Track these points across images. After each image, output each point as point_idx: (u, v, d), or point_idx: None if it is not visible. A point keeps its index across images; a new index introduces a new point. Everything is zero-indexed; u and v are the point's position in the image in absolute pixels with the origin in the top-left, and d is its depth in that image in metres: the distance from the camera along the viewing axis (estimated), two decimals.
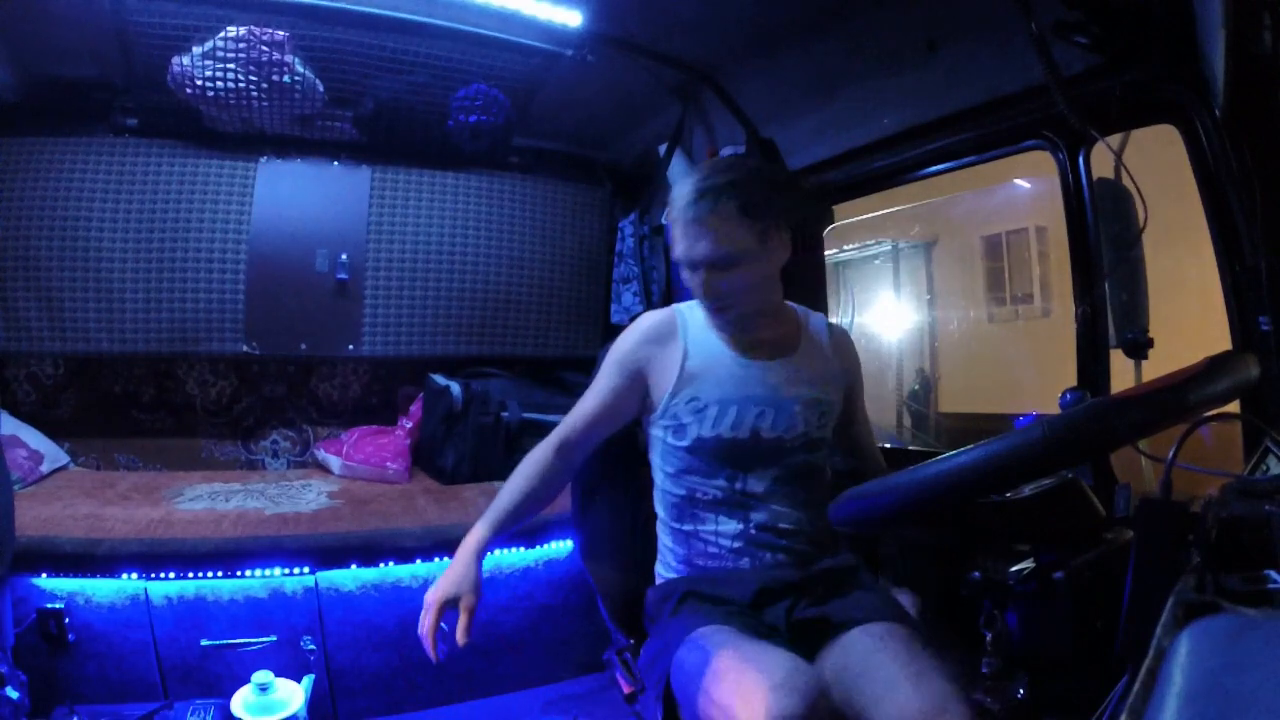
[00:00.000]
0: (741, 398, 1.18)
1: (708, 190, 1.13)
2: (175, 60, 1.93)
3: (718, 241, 1.13)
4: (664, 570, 1.26)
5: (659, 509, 1.26)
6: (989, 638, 0.79)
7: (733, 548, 1.17)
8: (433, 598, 1.18)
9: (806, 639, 1.06)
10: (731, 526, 1.17)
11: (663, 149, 2.30)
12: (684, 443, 1.19)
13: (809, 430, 1.20)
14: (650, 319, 1.27)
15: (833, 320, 1.36)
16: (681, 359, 1.22)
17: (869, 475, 1.26)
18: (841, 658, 1.00)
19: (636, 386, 1.24)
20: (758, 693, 0.85)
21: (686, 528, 1.21)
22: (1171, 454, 0.63)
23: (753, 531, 1.17)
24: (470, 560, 1.21)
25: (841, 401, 1.28)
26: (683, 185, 1.17)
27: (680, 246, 1.17)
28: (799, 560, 1.17)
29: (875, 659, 0.96)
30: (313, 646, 1.78)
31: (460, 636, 1.16)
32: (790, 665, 0.90)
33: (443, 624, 1.16)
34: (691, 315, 1.26)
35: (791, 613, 1.10)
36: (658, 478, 1.26)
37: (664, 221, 1.19)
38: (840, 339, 1.32)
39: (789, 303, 1.32)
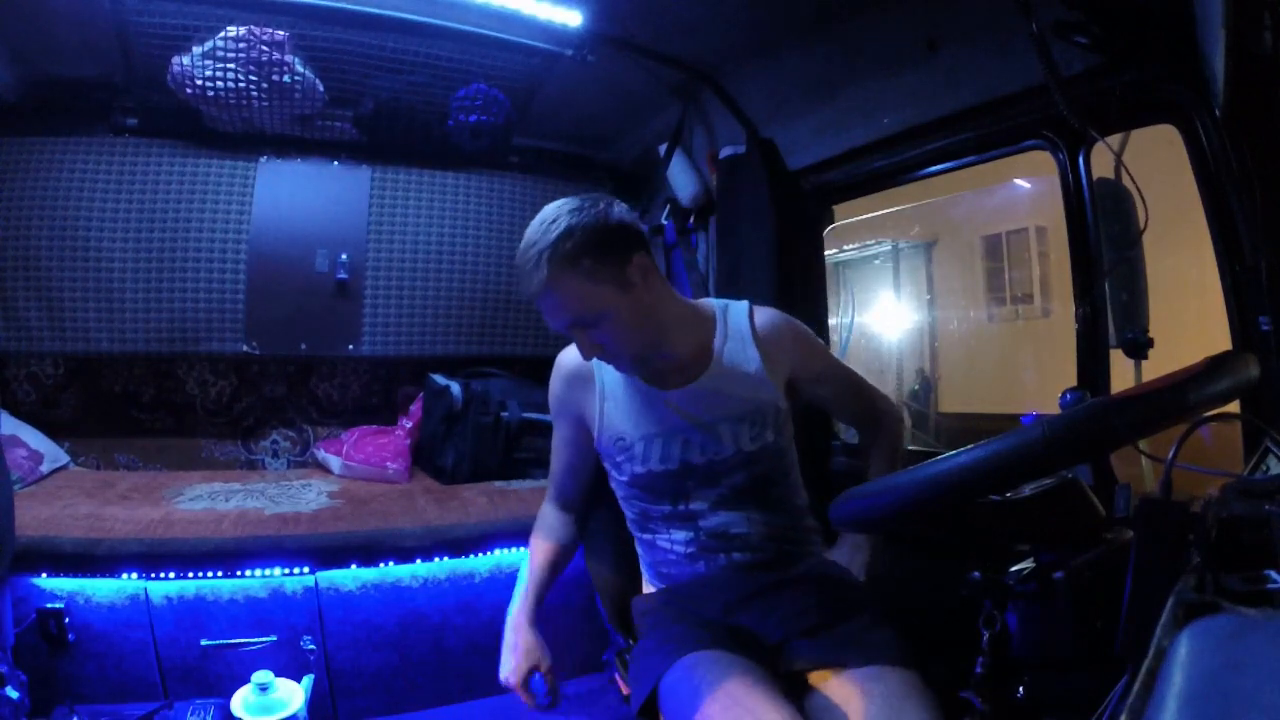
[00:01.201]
0: (664, 431, 1.17)
1: (540, 257, 1.03)
2: (175, 60, 1.93)
3: (572, 308, 1.06)
4: (645, 577, 1.29)
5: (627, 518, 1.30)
6: (985, 638, 0.79)
7: (687, 553, 1.19)
8: (514, 679, 1.21)
9: (791, 670, 1.05)
10: (683, 535, 1.19)
11: (663, 149, 2.30)
12: (623, 478, 1.22)
13: (742, 447, 1.17)
14: (564, 362, 1.27)
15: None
16: (600, 400, 1.21)
17: (877, 446, 1.30)
18: (825, 702, 0.99)
19: (581, 426, 1.26)
20: None
21: (646, 537, 1.24)
22: (1171, 454, 0.63)
23: (703, 538, 1.18)
24: (525, 630, 1.26)
25: (785, 396, 1.22)
26: (520, 252, 1.07)
27: (544, 315, 1.10)
28: (761, 561, 1.17)
29: (859, 707, 0.95)
30: (313, 646, 1.78)
31: (555, 698, 1.22)
32: None
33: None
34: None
35: (765, 622, 1.10)
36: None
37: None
38: (769, 328, 1.22)
39: (702, 302, 1.26)
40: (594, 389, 1.23)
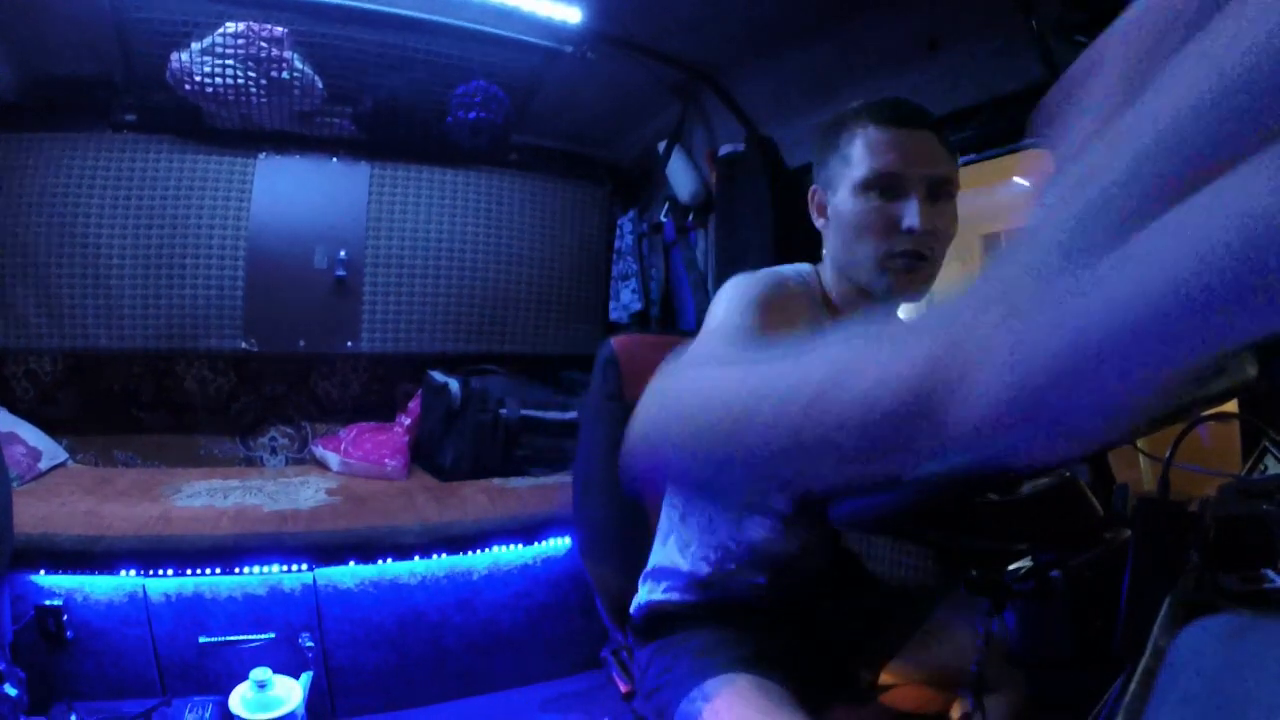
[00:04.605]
0: None
1: (920, 107, 0.88)
2: (174, 56, 1.93)
3: (951, 159, 0.88)
4: (653, 591, 1.07)
5: (670, 543, 1.08)
6: (981, 636, 0.79)
7: (781, 532, 0.99)
8: None
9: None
10: (763, 580, 1.02)
11: (662, 147, 2.30)
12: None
13: None
14: (776, 284, 0.90)
15: None
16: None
17: None
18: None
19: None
20: None
21: (731, 517, 1.02)
22: (1169, 453, 0.63)
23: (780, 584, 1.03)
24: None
25: None
26: (870, 101, 0.91)
27: (887, 158, 0.85)
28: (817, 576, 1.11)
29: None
30: (311, 644, 1.78)
31: None
32: None
33: None
34: (811, 298, 0.95)
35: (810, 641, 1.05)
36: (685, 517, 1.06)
37: (833, 141, 0.93)
38: None
39: None
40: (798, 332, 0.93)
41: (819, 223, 0.97)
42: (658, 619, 1.06)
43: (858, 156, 0.87)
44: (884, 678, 1.06)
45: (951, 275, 0.96)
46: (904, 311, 0.95)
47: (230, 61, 1.94)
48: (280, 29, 1.91)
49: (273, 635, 1.77)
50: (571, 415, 2.40)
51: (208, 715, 1.61)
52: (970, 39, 1.45)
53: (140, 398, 2.41)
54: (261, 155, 2.32)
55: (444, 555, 1.91)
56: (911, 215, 0.84)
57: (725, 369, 0.36)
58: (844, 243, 0.91)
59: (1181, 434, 0.67)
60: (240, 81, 1.98)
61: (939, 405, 0.22)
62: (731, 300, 0.86)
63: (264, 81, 2.00)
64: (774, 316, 0.83)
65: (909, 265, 0.86)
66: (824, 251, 0.97)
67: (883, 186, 0.86)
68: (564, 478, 2.28)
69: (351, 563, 1.82)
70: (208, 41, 1.90)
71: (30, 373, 2.32)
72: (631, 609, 1.14)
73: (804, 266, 0.99)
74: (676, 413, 0.39)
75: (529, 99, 2.26)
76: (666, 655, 1.00)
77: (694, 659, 0.95)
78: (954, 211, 0.88)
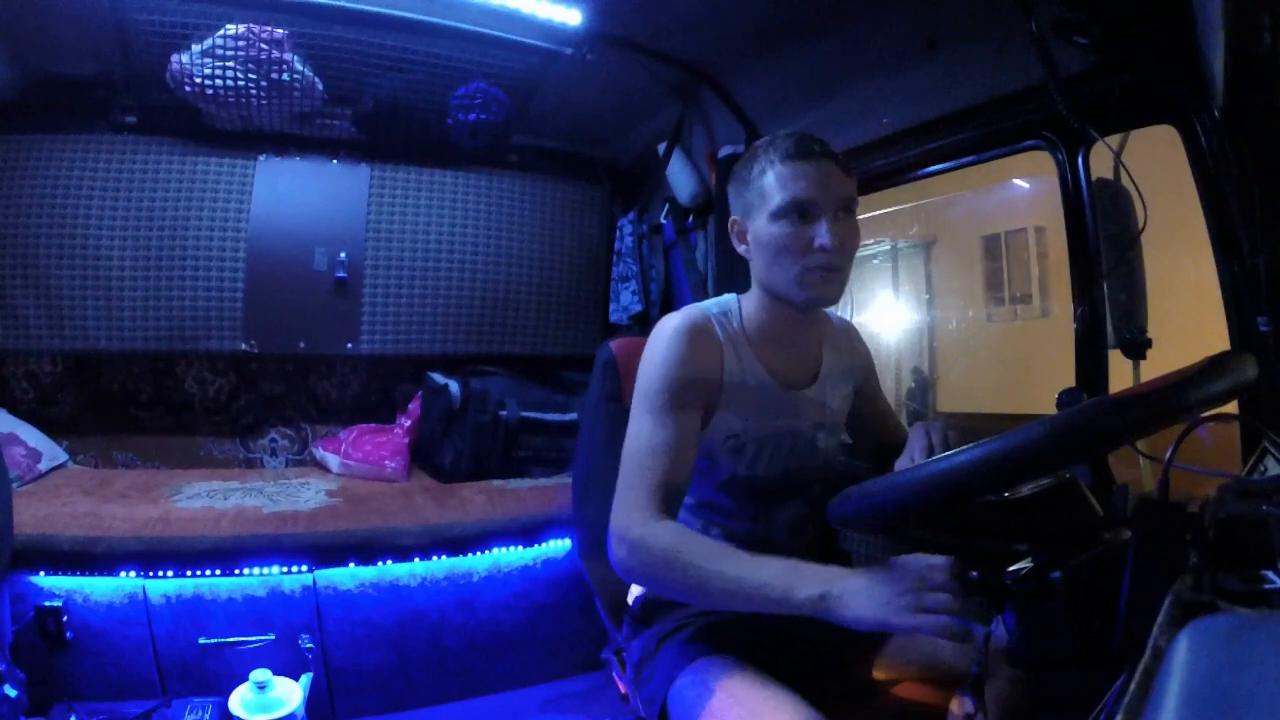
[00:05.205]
0: (777, 433, 1.09)
1: (818, 140, 1.02)
2: (174, 58, 1.93)
3: (848, 185, 1.02)
4: None
5: None
6: (981, 637, 0.79)
7: None
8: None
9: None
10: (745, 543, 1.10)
11: (662, 148, 2.30)
12: (715, 479, 1.10)
13: (828, 461, 1.15)
14: (691, 330, 1.04)
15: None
16: (721, 386, 1.05)
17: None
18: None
19: (701, 405, 1.04)
20: None
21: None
22: (1169, 454, 0.63)
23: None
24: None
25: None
26: (775, 138, 1.04)
27: (796, 187, 0.98)
28: None
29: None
30: (311, 645, 1.78)
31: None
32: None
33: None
34: (727, 325, 1.09)
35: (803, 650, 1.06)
36: None
37: (746, 175, 1.06)
38: (854, 337, 1.25)
39: None
40: (717, 369, 1.05)
41: (741, 249, 1.09)
42: (654, 607, 1.13)
43: (771, 188, 1.01)
44: (883, 676, 1.06)
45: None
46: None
47: (230, 63, 1.94)
48: (280, 31, 1.91)
49: (273, 636, 1.77)
50: (571, 416, 2.40)
51: (207, 716, 1.61)
52: (970, 39, 1.45)
53: (140, 398, 2.41)
54: (262, 156, 2.32)
55: (444, 556, 1.91)
56: (823, 235, 0.98)
57: (689, 559, 0.90)
58: (766, 264, 1.04)
59: (1182, 434, 0.67)
60: (240, 83, 1.98)
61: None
62: (659, 360, 1.03)
63: (264, 83, 2.00)
64: (693, 357, 1.03)
65: (824, 277, 1.01)
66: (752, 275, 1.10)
67: (798, 212, 0.99)
68: (564, 479, 2.29)
69: (352, 564, 1.82)
70: (208, 43, 1.90)
71: (30, 374, 2.32)
72: (630, 600, 1.20)
73: (729, 298, 1.13)
74: (657, 574, 0.96)
75: (529, 100, 2.26)
76: (660, 642, 1.05)
77: (685, 644, 1.01)
78: (855, 226, 1.04)
